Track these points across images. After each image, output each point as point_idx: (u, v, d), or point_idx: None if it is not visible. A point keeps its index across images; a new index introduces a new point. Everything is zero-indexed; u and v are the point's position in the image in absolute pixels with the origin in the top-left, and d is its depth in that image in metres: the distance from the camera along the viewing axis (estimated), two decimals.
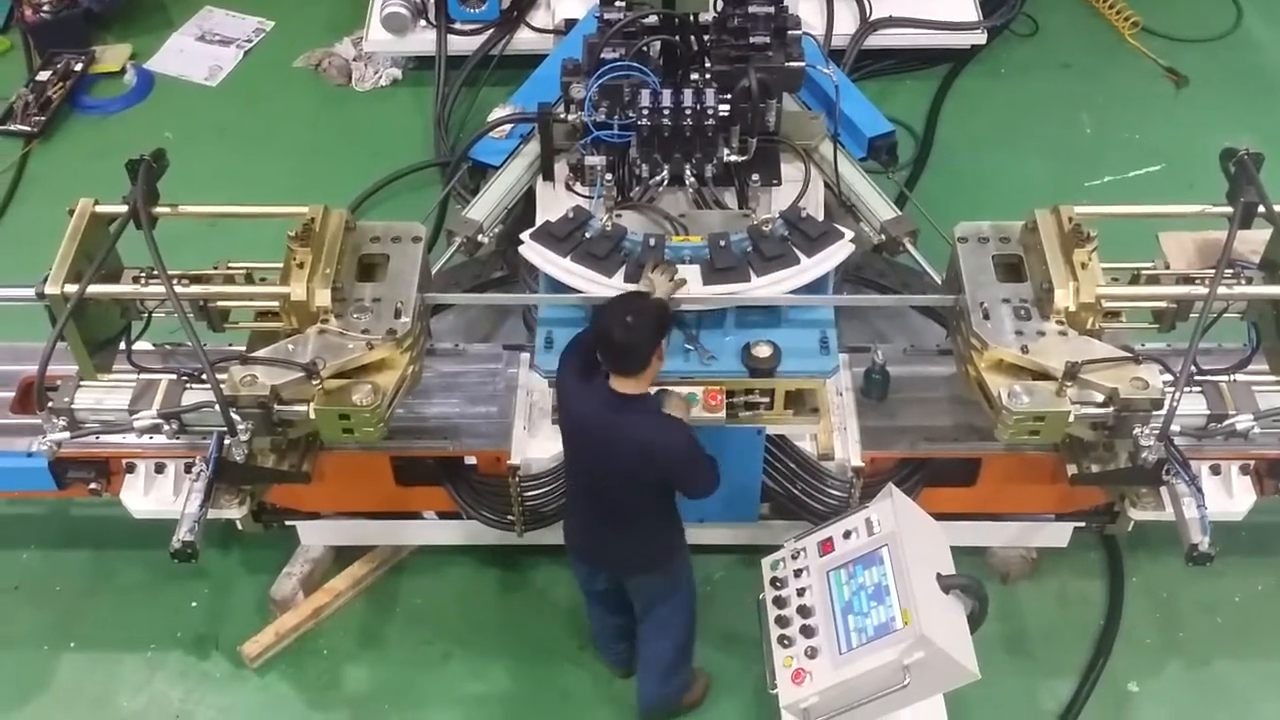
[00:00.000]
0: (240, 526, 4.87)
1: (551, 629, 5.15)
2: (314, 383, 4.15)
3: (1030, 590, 5.22)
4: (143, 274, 4.45)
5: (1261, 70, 7.56)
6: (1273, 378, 4.52)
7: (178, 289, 4.32)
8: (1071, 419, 4.14)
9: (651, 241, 4.40)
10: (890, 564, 3.91)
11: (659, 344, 4.00)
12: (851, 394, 4.79)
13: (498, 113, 5.91)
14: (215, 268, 4.55)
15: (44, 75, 7.46)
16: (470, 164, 5.83)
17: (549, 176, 5.15)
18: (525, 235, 4.48)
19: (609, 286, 4.31)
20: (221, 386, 4.14)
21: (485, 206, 5.03)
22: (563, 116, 4.98)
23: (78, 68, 7.53)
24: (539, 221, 4.66)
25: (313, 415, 4.19)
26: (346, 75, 7.57)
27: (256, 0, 8.12)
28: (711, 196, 4.90)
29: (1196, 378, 4.43)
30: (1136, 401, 4.12)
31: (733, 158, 4.86)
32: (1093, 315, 4.29)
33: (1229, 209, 4.41)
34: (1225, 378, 4.49)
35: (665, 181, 4.85)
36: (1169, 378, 4.22)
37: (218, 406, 4.15)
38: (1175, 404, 4.12)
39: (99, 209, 4.47)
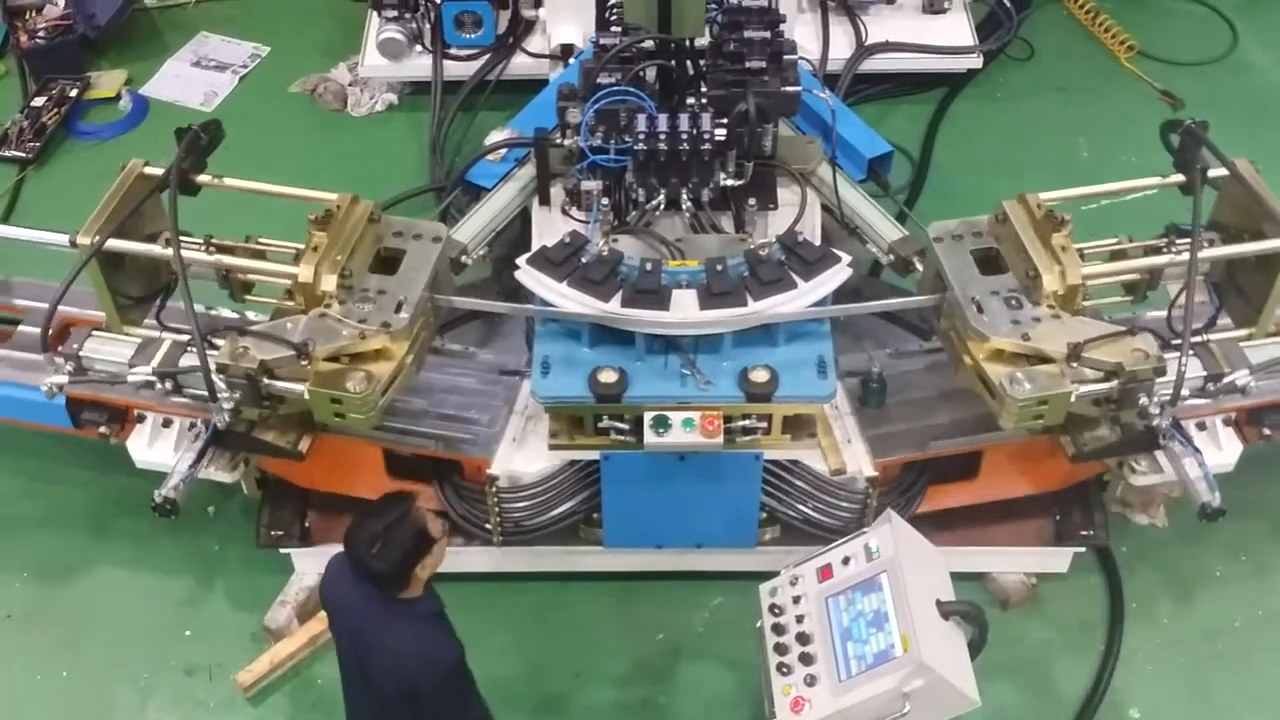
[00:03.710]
0: (245, 490, 5.06)
1: (548, 655, 5.13)
2: (303, 363, 4.20)
3: (1030, 616, 5.19)
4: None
5: (1257, 92, 7.57)
6: (1242, 331, 4.65)
7: (202, 255, 4.50)
8: (1073, 399, 4.18)
9: (648, 266, 4.39)
10: (889, 590, 3.89)
11: (416, 563, 3.78)
12: (849, 408, 4.80)
13: (495, 136, 5.91)
14: (247, 240, 4.62)
15: (39, 101, 7.44)
16: (465, 187, 5.82)
17: (545, 201, 5.15)
18: (521, 260, 4.47)
19: (606, 311, 4.30)
20: (218, 354, 4.22)
21: (472, 228, 5.05)
22: (559, 141, 4.98)
23: (73, 93, 7.51)
24: (535, 246, 4.65)
25: (307, 395, 4.22)
26: (342, 100, 7.56)
27: (252, 26, 8.12)
28: (708, 221, 4.90)
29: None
30: (1141, 372, 4.17)
31: (729, 182, 4.86)
32: (1078, 296, 4.36)
33: (1180, 178, 4.58)
34: (1201, 338, 4.58)
35: (662, 206, 4.85)
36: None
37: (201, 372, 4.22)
38: (1183, 369, 4.19)
39: (147, 170, 4.63)
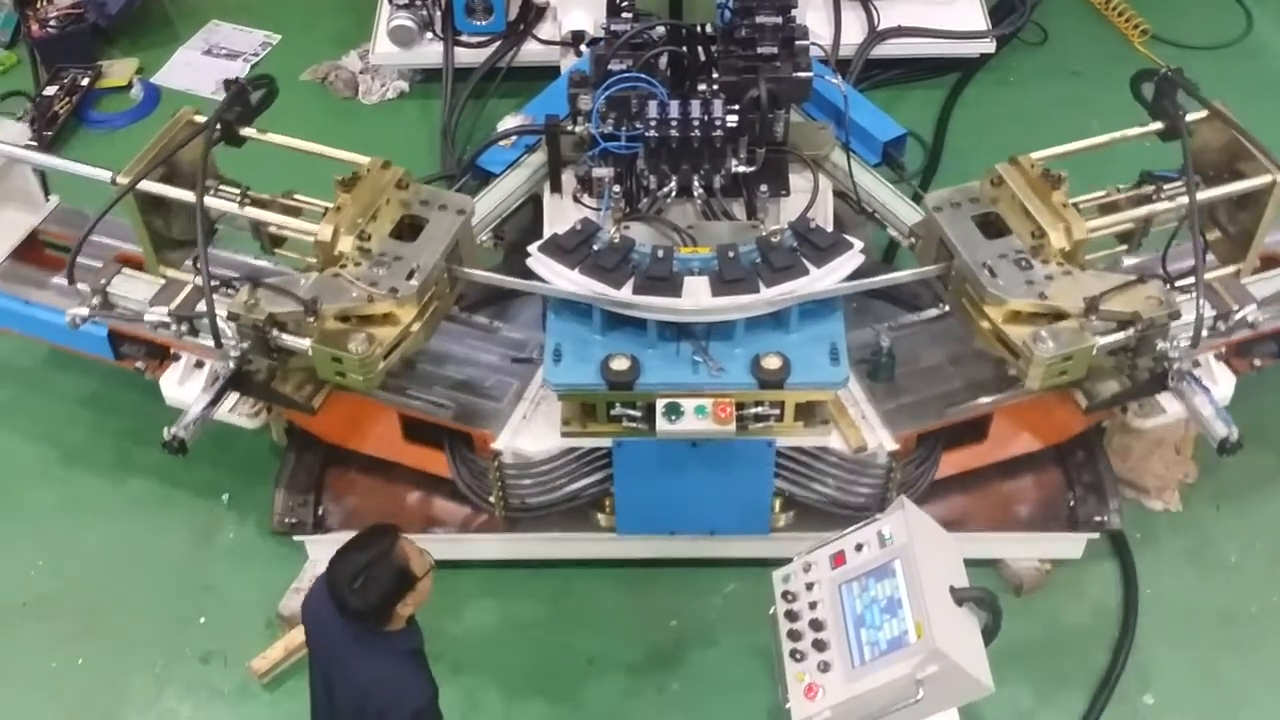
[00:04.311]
0: (274, 437, 5.30)
1: (561, 642, 5.15)
2: (310, 319, 4.24)
3: (1044, 602, 5.18)
4: (212, 186, 4.66)
5: (1272, 76, 7.52)
6: (1231, 268, 4.72)
7: (231, 206, 4.61)
8: (1095, 351, 4.23)
9: (660, 253, 4.38)
10: (903, 577, 3.87)
11: (397, 602, 3.70)
12: (861, 389, 4.81)
13: (508, 122, 5.90)
14: (284, 196, 4.72)
15: (51, 90, 7.44)
16: (476, 172, 5.81)
17: (556, 188, 5.13)
18: (533, 248, 4.47)
19: (617, 298, 4.30)
20: (231, 303, 4.32)
21: (478, 212, 5.02)
22: (570, 129, 4.96)
23: (84, 82, 7.51)
24: (547, 233, 4.65)
25: (310, 352, 4.26)
26: (353, 88, 7.57)
27: (263, 14, 8.12)
28: (720, 207, 4.89)
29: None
30: (1158, 318, 4.23)
31: (741, 169, 4.84)
32: (1082, 251, 4.42)
33: (1158, 125, 4.69)
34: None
35: (673, 193, 4.83)
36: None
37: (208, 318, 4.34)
38: (1201, 310, 4.27)
39: (197, 118, 4.74)
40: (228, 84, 4.73)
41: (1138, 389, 4.56)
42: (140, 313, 4.67)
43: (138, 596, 5.31)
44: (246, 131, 4.74)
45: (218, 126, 4.64)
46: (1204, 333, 4.35)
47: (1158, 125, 4.70)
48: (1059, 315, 4.26)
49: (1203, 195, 4.51)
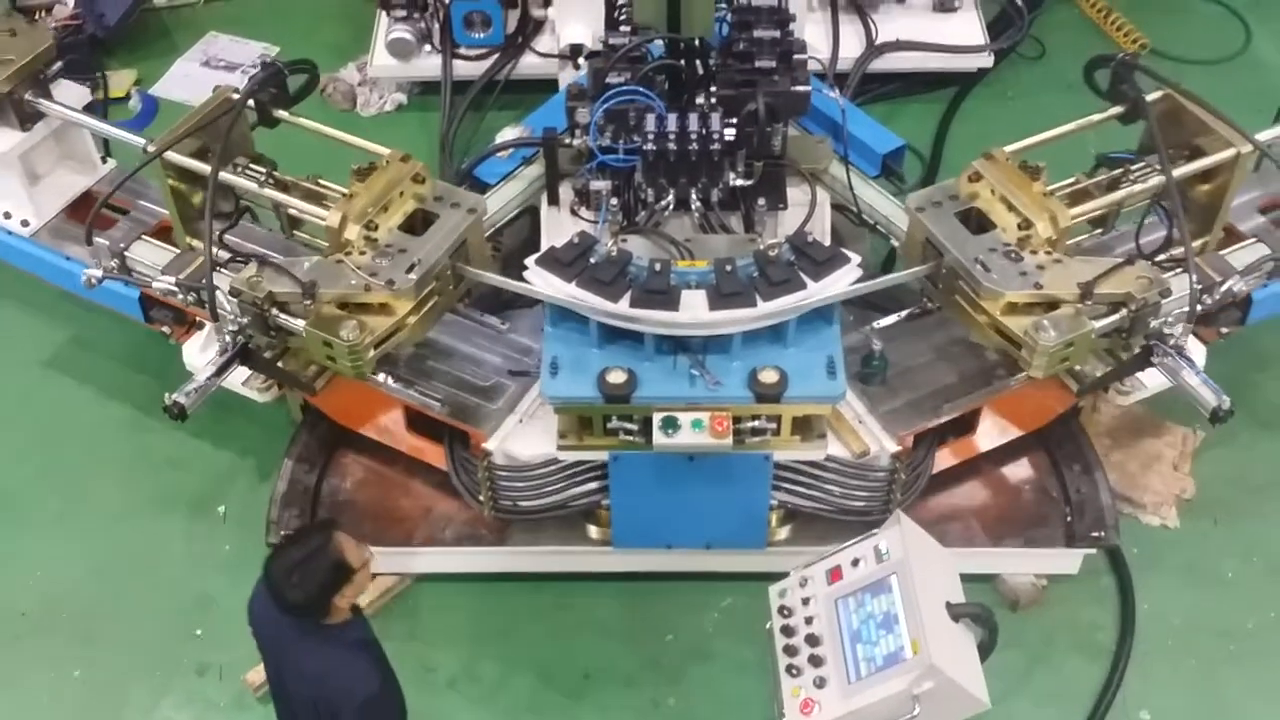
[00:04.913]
0: (290, 413, 5.45)
1: (557, 656, 5.14)
2: (306, 302, 4.30)
3: (1040, 618, 5.17)
4: (241, 164, 4.86)
5: (1270, 92, 7.48)
6: (1197, 243, 4.81)
7: (250, 184, 4.78)
8: (1094, 335, 4.30)
9: (657, 266, 4.38)
10: (899, 592, 3.88)
11: (334, 593, 3.74)
12: (854, 393, 4.78)
13: (506, 134, 5.90)
14: (307, 179, 4.81)
15: None
16: (473, 184, 5.81)
17: (554, 201, 5.14)
18: (530, 261, 4.47)
19: (615, 312, 4.29)
20: (235, 278, 4.41)
21: None
22: (568, 142, 4.97)
23: None
24: (544, 246, 4.65)
25: (304, 334, 4.32)
26: (351, 100, 7.57)
27: (261, 26, 8.12)
28: (717, 221, 4.89)
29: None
30: (1150, 297, 4.30)
31: (738, 182, 4.85)
32: (1066, 237, 4.51)
33: (1118, 109, 4.84)
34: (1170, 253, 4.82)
35: (671, 206, 4.83)
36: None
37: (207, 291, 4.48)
38: (1195, 285, 4.41)
39: (235, 97, 4.88)
40: (265, 65, 4.89)
41: (1124, 367, 4.62)
42: (151, 278, 4.78)
43: (135, 608, 5.31)
44: (280, 114, 4.88)
45: (249, 104, 4.79)
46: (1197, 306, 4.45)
47: (1118, 109, 4.84)
48: (1053, 303, 4.32)
49: (1180, 171, 4.63)
